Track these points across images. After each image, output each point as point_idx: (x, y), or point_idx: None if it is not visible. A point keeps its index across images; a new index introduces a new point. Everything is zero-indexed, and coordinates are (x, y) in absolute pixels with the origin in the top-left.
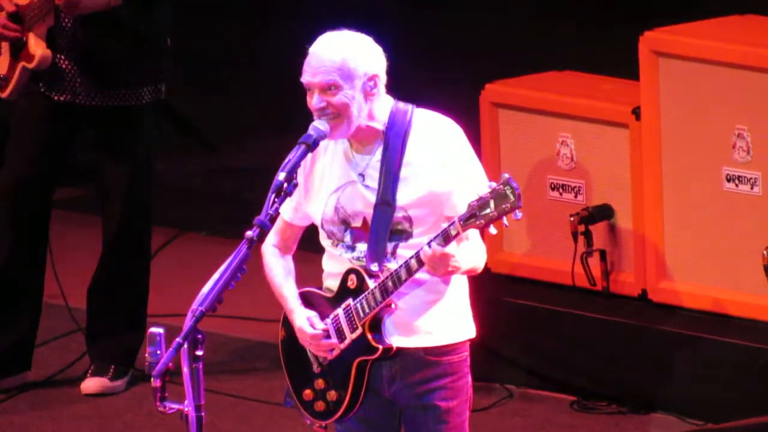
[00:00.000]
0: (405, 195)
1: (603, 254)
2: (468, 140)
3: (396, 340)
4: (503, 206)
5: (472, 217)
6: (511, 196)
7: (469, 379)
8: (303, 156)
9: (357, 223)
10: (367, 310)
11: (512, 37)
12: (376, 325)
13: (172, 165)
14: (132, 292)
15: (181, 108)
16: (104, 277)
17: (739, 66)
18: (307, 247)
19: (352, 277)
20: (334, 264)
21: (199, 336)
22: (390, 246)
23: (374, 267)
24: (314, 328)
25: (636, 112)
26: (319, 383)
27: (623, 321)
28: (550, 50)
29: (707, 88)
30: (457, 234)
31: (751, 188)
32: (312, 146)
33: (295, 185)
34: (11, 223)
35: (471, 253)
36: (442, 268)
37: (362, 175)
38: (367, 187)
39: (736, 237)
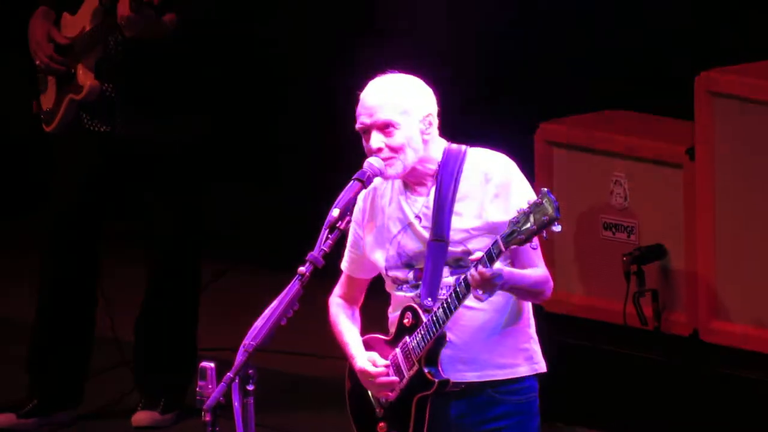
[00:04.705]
0: (460, 228)
1: (655, 294)
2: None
3: (454, 374)
4: (542, 219)
5: (512, 233)
6: (549, 208)
7: (538, 421)
8: (357, 192)
9: (420, 264)
10: (422, 344)
11: (567, 76)
12: (431, 359)
13: (224, 198)
14: (180, 326)
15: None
16: (151, 312)
17: None
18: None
19: (408, 314)
20: (399, 307)
21: (251, 371)
22: (452, 280)
23: (428, 301)
24: (376, 366)
25: (690, 152)
26: (382, 427)
27: (674, 361)
28: (605, 89)
29: (762, 129)
30: (500, 253)
31: None
32: (366, 183)
33: (348, 222)
34: (59, 258)
35: (530, 274)
36: (490, 288)
37: (419, 217)
38: (425, 227)
39: None
